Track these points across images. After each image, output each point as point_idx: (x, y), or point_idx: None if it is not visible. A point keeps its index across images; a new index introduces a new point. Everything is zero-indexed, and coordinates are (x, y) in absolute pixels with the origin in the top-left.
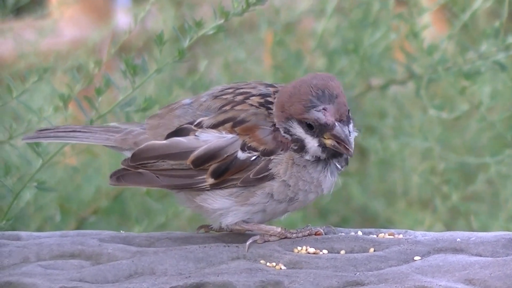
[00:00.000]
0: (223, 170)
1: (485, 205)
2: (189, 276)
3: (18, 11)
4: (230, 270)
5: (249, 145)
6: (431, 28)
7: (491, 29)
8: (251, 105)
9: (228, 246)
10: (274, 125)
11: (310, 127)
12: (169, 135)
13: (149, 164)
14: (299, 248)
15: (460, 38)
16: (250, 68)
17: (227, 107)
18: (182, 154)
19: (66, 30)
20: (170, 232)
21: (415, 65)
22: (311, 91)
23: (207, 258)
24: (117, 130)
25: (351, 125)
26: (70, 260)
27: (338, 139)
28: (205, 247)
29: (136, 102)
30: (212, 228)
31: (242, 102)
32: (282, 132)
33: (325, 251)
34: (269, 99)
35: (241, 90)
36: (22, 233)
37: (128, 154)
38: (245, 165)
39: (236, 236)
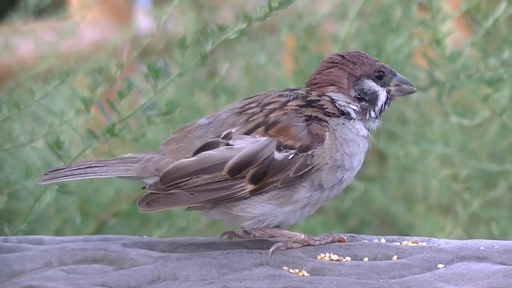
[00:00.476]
0: (261, 175)
1: (505, 211)
2: (212, 282)
3: (39, 13)
4: (253, 276)
5: (284, 144)
6: (453, 34)
7: None
8: (293, 110)
9: (252, 253)
10: (307, 120)
11: (379, 78)
12: (196, 152)
13: (182, 183)
14: (322, 255)
15: (482, 45)
16: (270, 71)
17: (258, 116)
18: (215, 166)
19: (86, 32)
20: (193, 237)
21: (437, 71)
22: (363, 55)
23: (230, 264)
24: (134, 160)
25: None
26: (93, 264)
27: (402, 82)
28: (228, 253)
29: (157, 106)
30: (235, 234)
31: (279, 109)
32: (356, 94)
33: (348, 258)
34: (310, 97)
35: (267, 101)
36: (45, 237)
37: (150, 181)
38: (284, 165)
39: (259, 242)
